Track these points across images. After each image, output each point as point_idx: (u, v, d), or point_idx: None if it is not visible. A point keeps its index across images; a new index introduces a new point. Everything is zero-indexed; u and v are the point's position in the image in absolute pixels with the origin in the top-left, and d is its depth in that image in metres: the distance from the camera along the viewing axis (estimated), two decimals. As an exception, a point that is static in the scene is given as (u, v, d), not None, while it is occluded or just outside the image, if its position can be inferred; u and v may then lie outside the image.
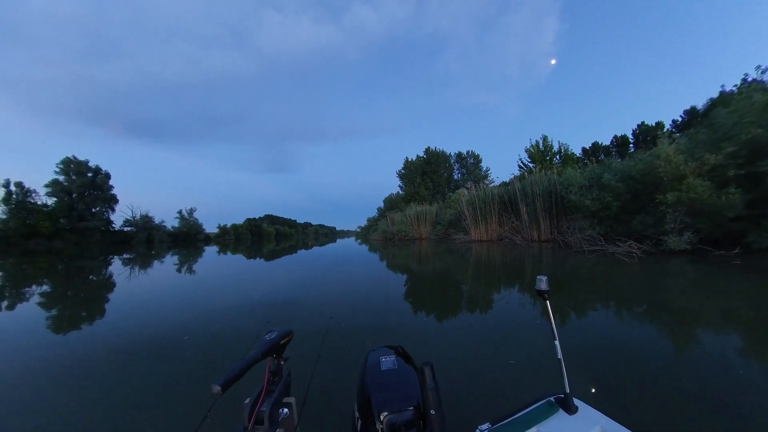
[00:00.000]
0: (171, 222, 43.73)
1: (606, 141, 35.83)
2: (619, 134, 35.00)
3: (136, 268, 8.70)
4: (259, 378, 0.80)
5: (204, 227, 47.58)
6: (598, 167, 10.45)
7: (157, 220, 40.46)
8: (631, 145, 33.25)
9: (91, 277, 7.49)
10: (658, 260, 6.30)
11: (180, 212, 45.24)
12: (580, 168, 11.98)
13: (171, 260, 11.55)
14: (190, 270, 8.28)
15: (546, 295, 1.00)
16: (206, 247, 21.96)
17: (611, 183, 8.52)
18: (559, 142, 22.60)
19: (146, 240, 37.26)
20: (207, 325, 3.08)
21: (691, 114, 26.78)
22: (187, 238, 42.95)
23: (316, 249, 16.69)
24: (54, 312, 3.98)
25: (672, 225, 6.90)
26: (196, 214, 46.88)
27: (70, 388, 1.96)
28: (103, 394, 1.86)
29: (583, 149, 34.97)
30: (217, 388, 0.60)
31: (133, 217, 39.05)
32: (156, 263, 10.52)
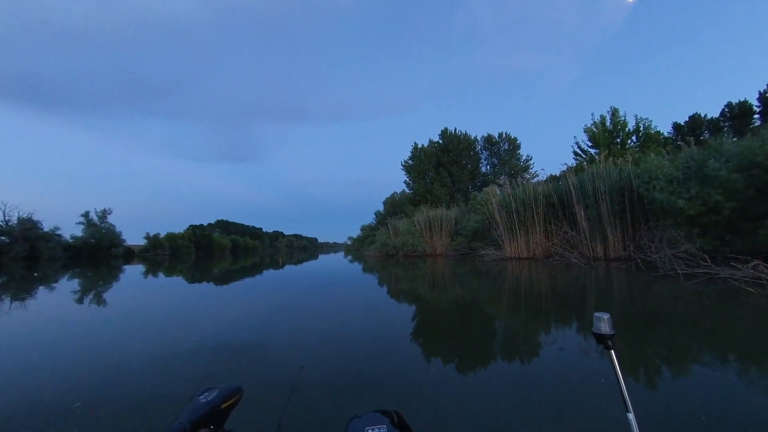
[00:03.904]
0: (71, 229, 43.59)
1: (714, 112, 35.20)
2: (735, 101, 33.36)
3: (7, 300, 8.58)
4: None
5: (124, 237, 48.01)
6: (698, 151, 10.26)
7: (47, 227, 39.86)
8: (755, 116, 31.98)
9: None
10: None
11: (86, 215, 45.20)
12: (669, 153, 11.89)
13: (66, 286, 11.64)
14: (97, 300, 8.17)
15: (610, 342, 0.98)
16: (126, 266, 22.21)
17: (721, 174, 8.25)
18: (636, 116, 22.20)
19: (27, 256, 36.31)
20: (113, 384, 3.00)
21: None
22: (96, 253, 42.91)
23: (289, 268, 17.42)
24: None
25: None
26: (112, 218, 47.09)
27: None
28: None
29: (675, 125, 34.64)
30: None
31: (6, 222, 37.82)
32: (41, 291, 10.40)
